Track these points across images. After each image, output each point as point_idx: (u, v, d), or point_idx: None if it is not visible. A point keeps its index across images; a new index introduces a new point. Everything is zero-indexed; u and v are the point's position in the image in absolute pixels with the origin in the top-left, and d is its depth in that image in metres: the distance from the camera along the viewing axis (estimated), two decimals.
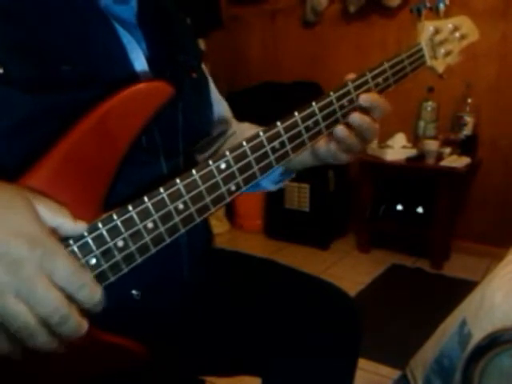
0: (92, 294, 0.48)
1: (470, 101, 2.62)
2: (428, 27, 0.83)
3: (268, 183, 0.88)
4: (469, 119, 2.63)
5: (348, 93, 0.71)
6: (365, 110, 0.73)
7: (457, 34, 0.87)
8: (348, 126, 0.72)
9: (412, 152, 2.64)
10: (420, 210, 2.72)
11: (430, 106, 2.70)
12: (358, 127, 0.72)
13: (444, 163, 2.50)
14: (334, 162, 0.77)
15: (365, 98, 0.72)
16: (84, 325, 0.48)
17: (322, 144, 0.75)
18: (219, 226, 3.17)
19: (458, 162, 2.50)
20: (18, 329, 0.44)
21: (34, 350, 0.47)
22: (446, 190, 2.53)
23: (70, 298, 0.47)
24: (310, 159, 0.80)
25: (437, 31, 0.84)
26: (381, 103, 0.73)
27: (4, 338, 0.46)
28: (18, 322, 0.44)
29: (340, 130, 0.71)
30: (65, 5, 0.61)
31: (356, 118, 0.72)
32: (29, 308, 0.44)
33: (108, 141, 0.55)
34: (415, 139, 2.76)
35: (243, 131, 0.92)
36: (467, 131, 2.64)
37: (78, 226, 0.50)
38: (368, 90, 0.73)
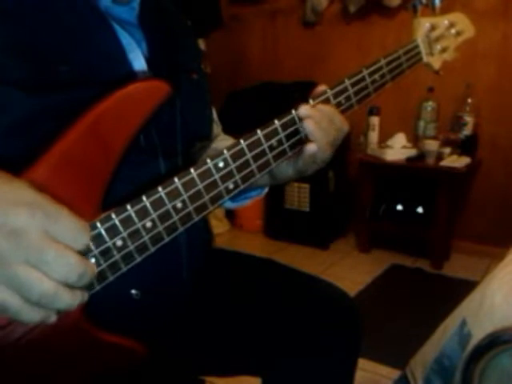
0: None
1: (470, 101, 2.61)
2: (424, 24, 0.83)
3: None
4: (469, 119, 2.63)
5: (345, 89, 0.71)
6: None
7: (453, 31, 0.87)
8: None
9: (412, 152, 2.64)
10: (420, 210, 2.72)
11: (430, 105, 2.69)
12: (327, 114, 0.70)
13: (444, 163, 2.49)
14: (312, 170, 0.74)
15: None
16: (95, 268, 0.49)
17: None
18: (219, 226, 3.17)
19: (458, 162, 2.50)
20: (39, 297, 0.44)
21: (62, 312, 0.47)
22: (446, 190, 2.53)
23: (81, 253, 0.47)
24: (290, 170, 0.76)
25: (433, 28, 0.84)
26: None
27: (31, 308, 0.45)
28: (36, 290, 0.44)
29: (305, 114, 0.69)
30: (63, 5, 0.61)
31: (320, 106, 0.70)
32: (43, 274, 0.44)
33: (105, 140, 0.55)
34: (415, 139, 2.76)
35: (217, 142, 0.91)
36: (467, 131, 2.64)
37: None
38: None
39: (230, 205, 0.87)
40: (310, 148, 0.69)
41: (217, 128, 0.94)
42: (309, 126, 0.67)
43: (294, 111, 0.67)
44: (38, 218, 0.44)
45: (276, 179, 0.77)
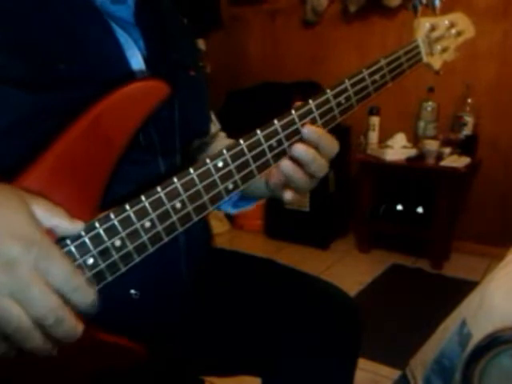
0: (86, 296, 0.48)
1: (469, 101, 2.62)
2: (424, 24, 0.83)
3: (227, 206, 0.85)
4: (469, 119, 2.63)
5: (345, 90, 0.71)
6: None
7: (453, 31, 0.86)
8: (295, 161, 0.66)
9: (412, 152, 2.64)
10: (420, 210, 2.72)
11: (430, 105, 2.69)
12: (302, 159, 0.66)
13: (444, 163, 2.49)
14: (279, 196, 0.72)
15: (310, 130, 0.66)
16: (79, 327, 0.47)
17: (274, 174, 0.69)
18: (219, 226, 3.17)
19: (458, 162, 2.50)
20: (13, 331, 0.44)
21: (28, 352, 0.46)
22: (446, 190, 2.53)
23: (65, 300, 0.46)
24: (265, 190, 0.75)
25: (433, 28, 0.83)
26: (325, 140, 0.67)
27: (1, 340, 0.45)
28: (13, 324, 0.44)
29: (286, 165, 0.66)
30: (61, 4, 0.61)
31: (299, 148, 0.65)
32: (23, 309, 0.44)
33: (105, 139, 0.55)
34: (415, 139, 2.76)
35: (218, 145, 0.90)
36: (467, 131, 2.64)
37: (75, 226, 0.49)
38: (313, 123, 0.67)
39: (231, 210, 0.87)
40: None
41: (214, 127, 0.94)
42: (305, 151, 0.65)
43: (293, 111, 0.66)
44: (31, 254, 0.44)
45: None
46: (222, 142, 0.91)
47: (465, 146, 2.60)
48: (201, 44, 3.11)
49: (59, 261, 0.46)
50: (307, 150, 0.66)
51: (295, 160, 0.66)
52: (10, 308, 0.43)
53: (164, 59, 0.72)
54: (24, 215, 0.46)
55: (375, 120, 2.76)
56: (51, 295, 0.45)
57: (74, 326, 0.47)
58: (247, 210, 0.87)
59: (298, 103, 0.67)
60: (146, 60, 0.68)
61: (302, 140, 0.66)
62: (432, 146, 2.54)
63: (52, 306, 0.45)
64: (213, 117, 0.93)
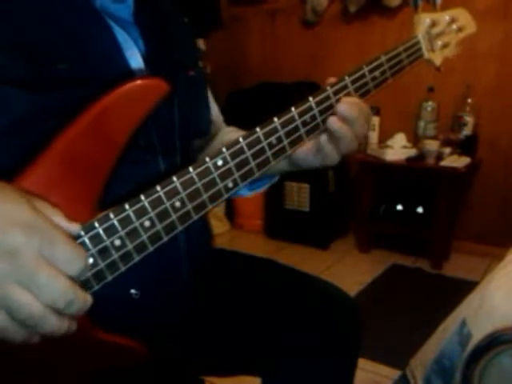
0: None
1: (469, 101, 2.62)
2: (425, 19, 0.82)
3: (244, 189, 0.84)
4: (469, 119, 2.63)
5: (346, 87, 0.71)
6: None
7: (454, 26, 0.86)
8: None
9: (412, 152, 2.64)
10: (420, 209, 2.72)
11: (430, 105, 2.70)
12: (334, 132, 0.69)
13: (444, 163, 2.49)
14: (313, 165, 0.74)
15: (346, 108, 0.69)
16: (89, 299, 0.48)
17: (302, 150, 0.71)
18: (219, 226, 3.17)
19: (458, 162, 2.50)
20: (26, 318, 0.44)
21: (46, 335, 0.46)
22: (446, 190, 2.53)
23: (73, 279, 0.46)
24: (284, 164, 0.76)
25: (434, 24, 0.83)
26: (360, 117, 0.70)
27: (17, 327, 0.45)
28: (24, 311, 0.44)
29: (332, 120, 0.69)
30: (60, 4, 0.61)
31: (334, 122, 0.69)
32: (33, 296, 0.44)
33: (104, 139, 0.55)
34: (415, 139, 2.76)
35: (224, 134, 0.91)
36: (467, 131, 2.64)
37: (72, 228, 0.49)
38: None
39: (246, 193, 0.86)
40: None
41: (218, 119, 0.94)
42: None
43: (293, 109, 0.66)
44: (34, 240, 0.44)
45: (300, 167, 0.77)
46: (231, 134, 0.90)
47: (465, 146, 2.60)
48: (201, 44, 3.11)
49: (63, 244, 0.46)
50: (341, 125, 0.69)
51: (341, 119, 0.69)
52: (19, 296, 0.43)
53: (163, 59, 0.72)
54: (23, 203, 0.45)
55: (375, 120, 2.77)
56: (59, 280, 0.45)
57: (84, 301, 0.47)
58: (263, 190, 0.87)
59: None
60: (146, 59, 0.68)
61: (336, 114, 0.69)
62: (432, 146, 2.54)
63: (61, 290, 0.45)
64: (217, 110, 0.94)
